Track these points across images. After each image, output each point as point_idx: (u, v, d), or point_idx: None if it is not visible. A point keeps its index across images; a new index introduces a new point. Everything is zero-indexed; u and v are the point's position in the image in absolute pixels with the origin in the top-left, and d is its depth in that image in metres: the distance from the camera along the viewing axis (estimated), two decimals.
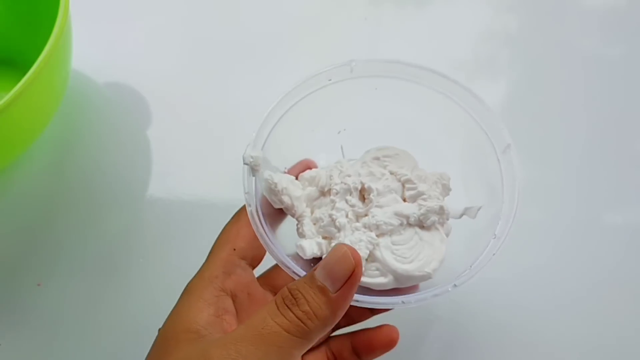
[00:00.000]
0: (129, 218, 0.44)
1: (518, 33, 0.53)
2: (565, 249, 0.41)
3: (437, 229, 0.33)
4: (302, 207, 0.34)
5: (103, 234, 0.43)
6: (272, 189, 0.32)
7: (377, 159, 0.35)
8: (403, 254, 0.32)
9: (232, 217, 0.33)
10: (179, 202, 0.44)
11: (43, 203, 0.44)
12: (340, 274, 0.25)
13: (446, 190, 0.34)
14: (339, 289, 0.25)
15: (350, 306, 0.27)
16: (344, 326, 0.33)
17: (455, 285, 0.28)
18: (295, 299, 0.26)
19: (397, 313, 0.36)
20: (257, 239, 0.30)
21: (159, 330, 0.29)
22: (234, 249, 0.31)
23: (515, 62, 0.51)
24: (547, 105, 0.48)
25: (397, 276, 0.31)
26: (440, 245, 0.32)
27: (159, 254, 0.40)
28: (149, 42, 0.52)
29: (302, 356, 0.31)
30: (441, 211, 0.32)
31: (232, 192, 0.43)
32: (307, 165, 0.35)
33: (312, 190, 0.34)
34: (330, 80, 0.35)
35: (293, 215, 0.34)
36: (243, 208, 0.32)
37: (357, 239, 0.32)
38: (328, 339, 0.33)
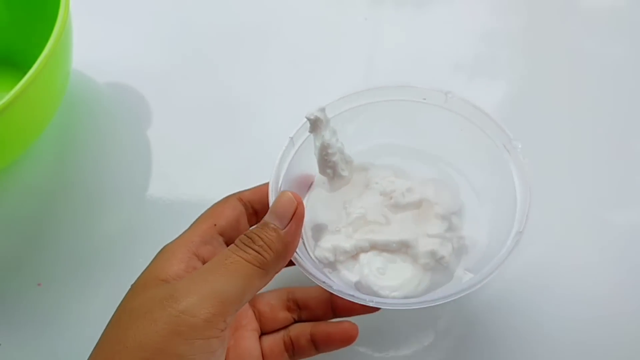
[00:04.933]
0: (130, 218, 0.44)
1: (518, 33, 0.53)
2: (567, 248, 0.41)
3: (427, 271, 0.34)
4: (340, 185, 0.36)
5: (103, 234, 0.43)
6: (323, 156, 0.34)
7: (428, 182, 0.36)
8: (380, 267, 0.33)
9: (221, 199, 0.34)
10: (179, 202, 0.44)
11: (43, 203, 0.44)
12: (286, 213, 0.30)
13: (461, 250, 0.35)
14: (287, 225, 0.30)
15: (318, 304, 0.33)
16: (307, 321, 0.35)
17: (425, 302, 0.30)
18: (251, 239, 0.29)
19: (398, 314, 0.37)
20: (239, 222, 0.33)
21: (131, 285, 0.30)
22: (215, 225, 0.32)
23: (515, 62, 0.51)
24: (547, 105, 0.48)
25: (362, 281, 0.33)
26: (417, 285, 0.33)
27: None
28: (149, 42, 0.52)
29: (260, 337, 0.34)
30: (440, 261, 0.33)
31: (232, 192, 0.44)
32: (306, 178, 0.37)
33: (360, 179, 0.36)
34: (424, 99, 0.36)
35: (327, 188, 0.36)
36: (232, 194, 0.34)
37: (353, 237, 0.34)
38: (288, 326, 0.34)
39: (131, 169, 0.46)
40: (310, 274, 0.31)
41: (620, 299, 0.39)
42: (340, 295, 0.30)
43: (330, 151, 0.34)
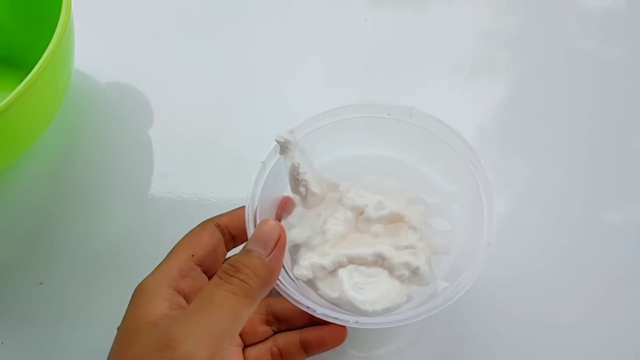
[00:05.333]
0: (131, 217, 0.44)
1: (518, 33, 0.53)
2: (566, 249, 0.41)
3: (403, 282, 0.34)
4: (314, 203, 0.37)
5: (105, 233, 0.43)
6: (295, 175, 0.35)
7: (397, 193, 0.37)
8: (359, 282, 0.34)
9: (198, 225, 0.34)
10: (180, 202, 0.44)
11: (45, 202, 0.44)
12: (270, 240, 0.30)
13: (435, 259, 0.36)
14: (271, 253, 0.30)
15: (298, 315, 0.34)
16: (287, 331, 0.35)
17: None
18: (235, 268, 0.29)
19: None
20: (217, 250, 0.33)
21: (118, 328, 0.30)
22: (192, 255, 0.32)
23: (515, 62, 0.51)
24: (547, 105, 0.48)
25: (341, 297, 0.33)
26: (396, 297, 0.34)
27: (160, 252, 0.39)
28: (151, 43, 0.52)
29: (245, 349, 0.34)
30: (416, 271, 0.34)
31: (232, 192, 0.44)
32: (285, 202, 0.37)
33: (333, 196, 0.37)
34: (389, 115, 0.37)
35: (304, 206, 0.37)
36: (210, 220, 0.34)
37: (331, 254, 0.35)
38: (274, 335, 0.35)
39: (132, 169, 0.46)
40: (294, 299, 0.31)
41: (619, 298, 0.39)
42: (325, 319, 0.31)
43: (301, 170, 0.35)
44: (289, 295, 0.31)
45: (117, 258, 0.42)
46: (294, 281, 0.34)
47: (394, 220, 0.36)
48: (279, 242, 0.30)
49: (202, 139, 0.47)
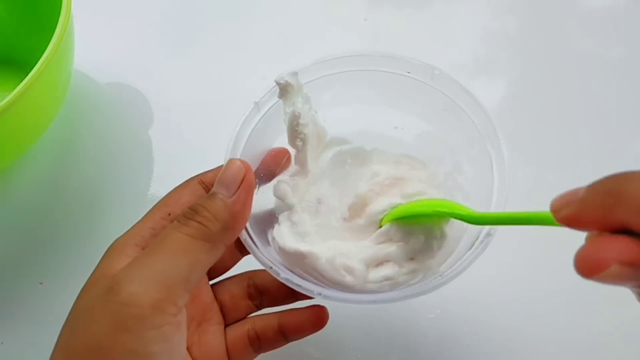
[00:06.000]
0: (131, 217, 0.43)
1: (517, 34, 0.53)
2: (566, 248, 0.41)
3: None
4: (309, 164, 0.32)
5: (105, 233, 0.43)
6: (293, 125, 0.31)
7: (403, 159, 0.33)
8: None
9: (182, 183, 0.32)
10: None
11: (45, 202, 0.44)
12: (234, 181, 0.28)
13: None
14: (234, 193, 0.27)
15: (278, 288, 0.31)
16: (268, 306, 0.33)
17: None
18: (194, 211, 0.27)
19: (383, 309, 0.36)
20: None
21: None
22: (169, 214, 0.30)
23: (515, 62, 0.51)
24: (547, 105, 0.48)
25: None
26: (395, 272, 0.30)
27: None
28: (150, 43, 0.52)
29: (225, 330, 0.32)
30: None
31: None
32: (278, 154, 0.34)
33: (330, 153, 0.33)
34: (408, 72, 0.32)
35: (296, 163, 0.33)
36: (193, 177, 0.32)
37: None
38: (253, 318, 0.32)
39: (132, 169, 0.46)
40: (257, 257, 0.29)
41: (618, 298, 0.39)
42: (287, 284, 0.28)
43: (301, 121, 0.31)
44: (253, 251, 0.29)
45: None
46: (269, 243, 0.31)
47: (394, 183, 0.32)
48: (244, 182, 0.28)
49: (201, 139, 0.47)
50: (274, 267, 0.28)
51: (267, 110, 0.32)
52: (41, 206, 0.44)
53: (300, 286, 0.28)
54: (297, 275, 0.29)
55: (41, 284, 0.41)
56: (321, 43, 0.52)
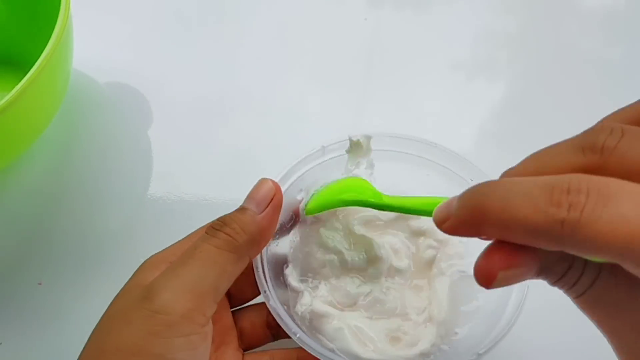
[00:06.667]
0: (130, 217, 0.44)
1: (517, 33, 0.53)
2: None
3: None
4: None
5: (104, 233, 0.43)
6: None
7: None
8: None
9: None
10: (179, 202, 0.44)
11: (44, 202, 0.44)
12: (264, 198, 0.30)
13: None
14: (264, 210, 0.29)
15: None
16: (285, 337, 0.33)
17: None
18: (223, 222, 0.29)
19: None
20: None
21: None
22: None
23: (515, 62, 0.51)
24: (547, 105, 0.48)
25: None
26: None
27: None
28: (150, 42, 0.52)
29: (245, 357, 0.32)
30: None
31: (232, 192, 0.44)
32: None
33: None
34: (472, 180, 0.33)
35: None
36: None
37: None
38: (272, 351, 0.33)
39: (131, 169, 0.46)
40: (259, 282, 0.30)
41: None
42: (273, 314, 0.30)
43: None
44: (256, 270, 0.30)
45: (116, 258, 0.42)
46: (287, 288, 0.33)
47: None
48: (273, 201, 0.30)
49: (201, 138, 0.47)
50: (267, 292, 0.30)
51: (330, 159, 0.34)
52: (39, 206, 0.44)
53: (283, 321, 0.29)
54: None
55: (40, 284, 0.41)
56: (321, 42, 0.52)
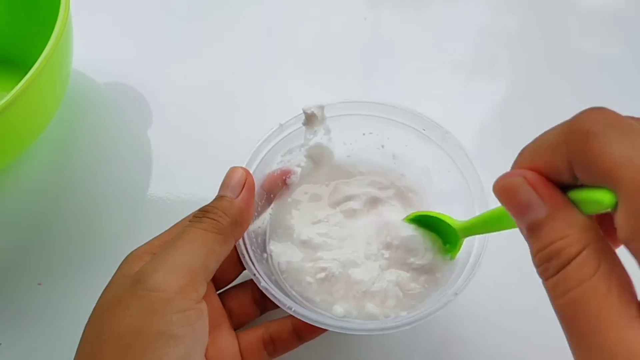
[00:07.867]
0: (129, 217, 0.44)
1: (518, 33, 0.53)
2: None
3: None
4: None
5: (103, 233, 0.43)
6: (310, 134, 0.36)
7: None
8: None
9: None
10: (179, 202, 0.44)
11: (43, 202, 0.44)
12: (237, 184, 0.32)
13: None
14: (239, 194, 0.32)
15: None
16: (273, 309, 0.35)
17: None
18: (205, 211, 0.31)
19: None
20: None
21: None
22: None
23: (515, 62, 0.51)
24: (547, 105, 0.48)
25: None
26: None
27: None
28: (149, 42, 0.52)
29: (238, 335, 0.33)
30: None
31: None
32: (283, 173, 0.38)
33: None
34: (423, 130, 0.37)
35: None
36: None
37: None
38: (267, 323, 0.34)
39: (131, 169, 0.46)
40: (245, 262, 0.32)
41: None
42: (265, 292, 0.31)
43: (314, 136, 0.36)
44: (243, 257, 0.32)
45: (115, 258, 0.41)
46: (266, 259, 0.35)
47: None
48: (246, 184, 0.32)
49: (201, 138, 0.47)
50: (257, 274, 0.31)
51: (289, 134, 0.36)
52: (39, 206, 0.44)
53: (275, 297, 0.31)
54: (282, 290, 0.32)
55: (40, 284, 0.40)
56: (321, 42, 0.52)
